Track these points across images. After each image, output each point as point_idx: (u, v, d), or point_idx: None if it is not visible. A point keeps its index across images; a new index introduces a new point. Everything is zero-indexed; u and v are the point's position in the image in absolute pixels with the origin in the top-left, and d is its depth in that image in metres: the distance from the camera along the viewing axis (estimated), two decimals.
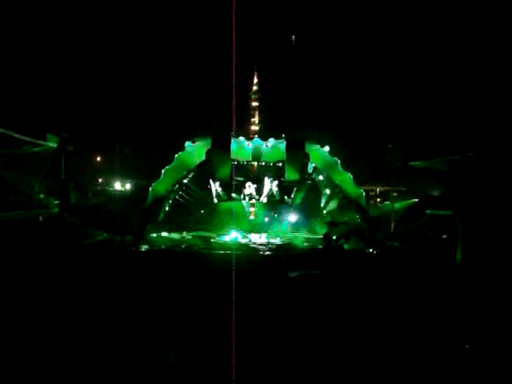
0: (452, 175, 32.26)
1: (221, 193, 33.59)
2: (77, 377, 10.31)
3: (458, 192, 27.25)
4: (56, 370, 10.48)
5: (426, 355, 11.18)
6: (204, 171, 33.44)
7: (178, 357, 11.53)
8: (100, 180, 44.61)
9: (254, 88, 46.90)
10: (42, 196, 30.02)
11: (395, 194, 38.31)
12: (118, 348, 11.72)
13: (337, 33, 48.69)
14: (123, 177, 43.25)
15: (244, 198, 34.93)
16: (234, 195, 34.14)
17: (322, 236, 30.21)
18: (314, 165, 33.57)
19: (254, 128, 45.01)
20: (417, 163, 33.41)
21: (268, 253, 27.83)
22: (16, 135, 25.51)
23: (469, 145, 28.50)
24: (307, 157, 32.65)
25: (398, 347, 11.95)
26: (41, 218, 28.36)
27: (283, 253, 27.65)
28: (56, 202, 29.89)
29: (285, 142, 32.72)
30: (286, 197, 34.20)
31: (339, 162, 32.58)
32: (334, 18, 49.80)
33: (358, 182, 33.25)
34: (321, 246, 29.34)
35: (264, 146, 33.18)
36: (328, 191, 35.30)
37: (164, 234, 33.13)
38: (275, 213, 36.72)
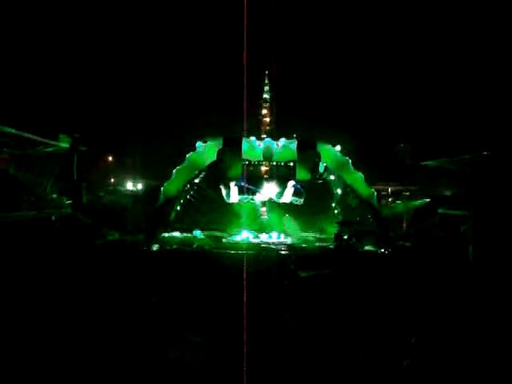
0: (464, 174, 32.05)
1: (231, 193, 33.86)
2: (89, 372, 10.38)
3: (472, 191, 27.07)
4: (67, 366, 10.56)
5: (441, 355, 11.11)
6: (215, 171, 33.49)
7: (190, 355, 11.56)
8: (112, 180, 44.87)
9: (266, 88, 46.94)
10: (54, 196, 30.19)
11: (407, 194, 38.16)
12: (129, 347, 11.77)
13: (349, 33, 48.59)
14: (135, 177, 43.50)
15: (255, 199, 35.14)
16: (244, 196, 34.31)
17: (333, 236, 30.18)
18: (325, 164, 33.49)
19: (265, 128, 45.06)
20: (429, 162, 33.21)
21: (279, 252, 27.78)
22: (29, 136, 25.66)
23: (481, 144, 28.26)
24: (318, 156, 32.57)
25: (413, 346, 11.87)
26: (53, 217, 28.53)
27: (294, 252, 27.59)
28: (68, 201, 30.05)
29: (296, 142, 32.65)
30: (297, 197, 34.23)
31: (350, 161, 32.46)
32: (346, 18, 49.70)
33: (370, 181, 33.11)
34: (332, 246, 29.28)
35: (275, 146, 33.15)
36: (339, 191, 35.15)
37: (175, 233, 33.16)
38: (286, 213, 36.64)
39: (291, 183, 34.14)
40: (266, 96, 46.49)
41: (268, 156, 33.35)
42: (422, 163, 33.96)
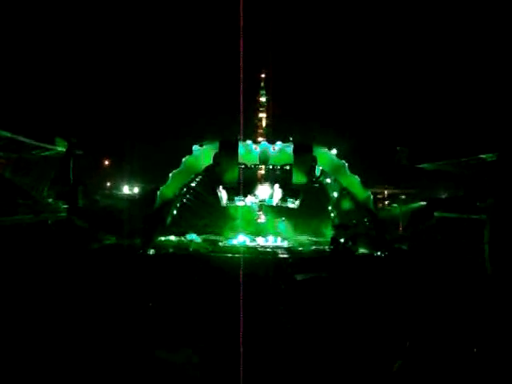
0: (462, 177, 32.11)
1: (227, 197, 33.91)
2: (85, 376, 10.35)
3: (491, 193, 26.91)
4: (63, 369, 10.53)
5: (435, 358, 11.12)
6: (212, 175, 33.45)
7: (185, 358, 11.53)
8: (108, 184, 44.77)
9: (262, 92, 46.93)
10: (50, 200, 30.17)
11: (403, 197, 38.20)
12: (126, 350, 11.74)
13: (345, 36, 48.66)
14: (131, 181, 43.40)
15: (251, 202, 35.21)
16: (240, 199, 34.40)
17: (329, 239, 30.23)
18: (321, 168, 33.49)
19: (262, 131, 44.99)
20: (425, 165, 33.27)
21: (276, 256, 27.80)
22: (25, 140, 25.64)
23: (478, 146, 28.34)
24: (315, 160, 32.55)
25: (409, 349, 11.87)
26: (49, 221, 28.49)
27: (291, 256, 27.62)
28: (64, 205, 30.02)
29: (292, 146, 32.63)
30: (293, 200, 34.26)
31: (347, 164, 32.49)
32: (342, 21, 49.78)
33: (366, 184, 33.13)
34: (328, 249, 29.33)
35: (271, 150, 33.13)
36: (336, 194, 35.15)
37: (172, 237, 33.13)
38: (282, 216, 36.69)
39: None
40: (262, 99, 46.45)
41: (264, 159, 33.33)
42: (419, 166, 34.01)
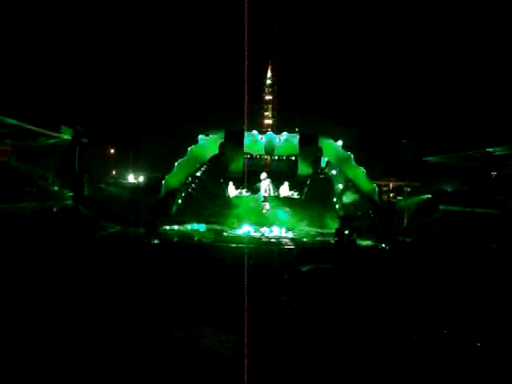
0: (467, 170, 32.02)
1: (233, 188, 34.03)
2: (91, 360, 10.40)
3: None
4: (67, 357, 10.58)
5: (440, 351, 11.12)
6: (217, 164, 33.41)
7: (189, 349, 11.57)
8: (114, 172, 44.88)
9: (268, 82, 46.86)
10: (56, 188, 30.21)
11: (408, 190, 38.10)
12: (128, 340, 11.79)
13: (354, 28, 48.43)
14: (136, 169, 43.48)
15: (256, 192, 35.23)
16: (245, 190, 34.48)
17: (334, 230, 30.20)
18: (327, 159, 33.39)
19: (267, 121, 44.95)
20: (430, 158, 33.14)
21: (280, 246, 27.80)
22: (31, 127, 25.62)
23: (482, 140, 28.22)
24: (320, 151, 32.45)
25: (415, 342, 11.87)
26: (55, 209, 28.56)
27: (295, 247, 27.62)
28: (70, 193, 30.07)
29: (298, 136, 32.55)
30: (298, 191, 34.26)
31: (352, 156, 32.37)
32: (351, 12, 49.52)
33: (372, 177, 33.01)
34: (333, 241, 29.31)
35: (277, 140, 33.06)
36: (341, 186, 35.07)
37: (176, 226, 33.16)
38: (287, 207, 36.66)
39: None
40: (268, 90, 46.43)
41: (270, 150, 33.26)
42: (425, 159, 33.92)
